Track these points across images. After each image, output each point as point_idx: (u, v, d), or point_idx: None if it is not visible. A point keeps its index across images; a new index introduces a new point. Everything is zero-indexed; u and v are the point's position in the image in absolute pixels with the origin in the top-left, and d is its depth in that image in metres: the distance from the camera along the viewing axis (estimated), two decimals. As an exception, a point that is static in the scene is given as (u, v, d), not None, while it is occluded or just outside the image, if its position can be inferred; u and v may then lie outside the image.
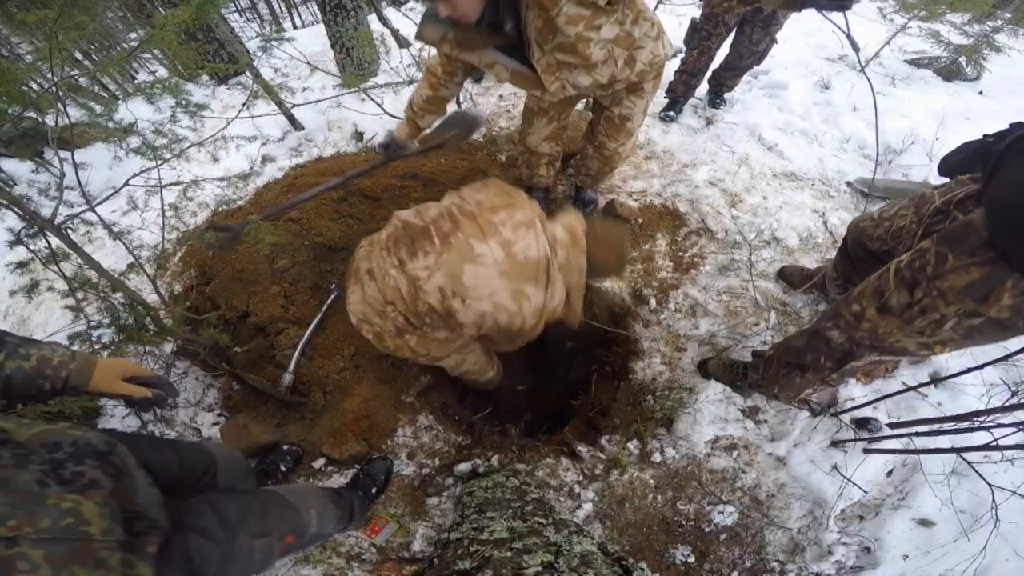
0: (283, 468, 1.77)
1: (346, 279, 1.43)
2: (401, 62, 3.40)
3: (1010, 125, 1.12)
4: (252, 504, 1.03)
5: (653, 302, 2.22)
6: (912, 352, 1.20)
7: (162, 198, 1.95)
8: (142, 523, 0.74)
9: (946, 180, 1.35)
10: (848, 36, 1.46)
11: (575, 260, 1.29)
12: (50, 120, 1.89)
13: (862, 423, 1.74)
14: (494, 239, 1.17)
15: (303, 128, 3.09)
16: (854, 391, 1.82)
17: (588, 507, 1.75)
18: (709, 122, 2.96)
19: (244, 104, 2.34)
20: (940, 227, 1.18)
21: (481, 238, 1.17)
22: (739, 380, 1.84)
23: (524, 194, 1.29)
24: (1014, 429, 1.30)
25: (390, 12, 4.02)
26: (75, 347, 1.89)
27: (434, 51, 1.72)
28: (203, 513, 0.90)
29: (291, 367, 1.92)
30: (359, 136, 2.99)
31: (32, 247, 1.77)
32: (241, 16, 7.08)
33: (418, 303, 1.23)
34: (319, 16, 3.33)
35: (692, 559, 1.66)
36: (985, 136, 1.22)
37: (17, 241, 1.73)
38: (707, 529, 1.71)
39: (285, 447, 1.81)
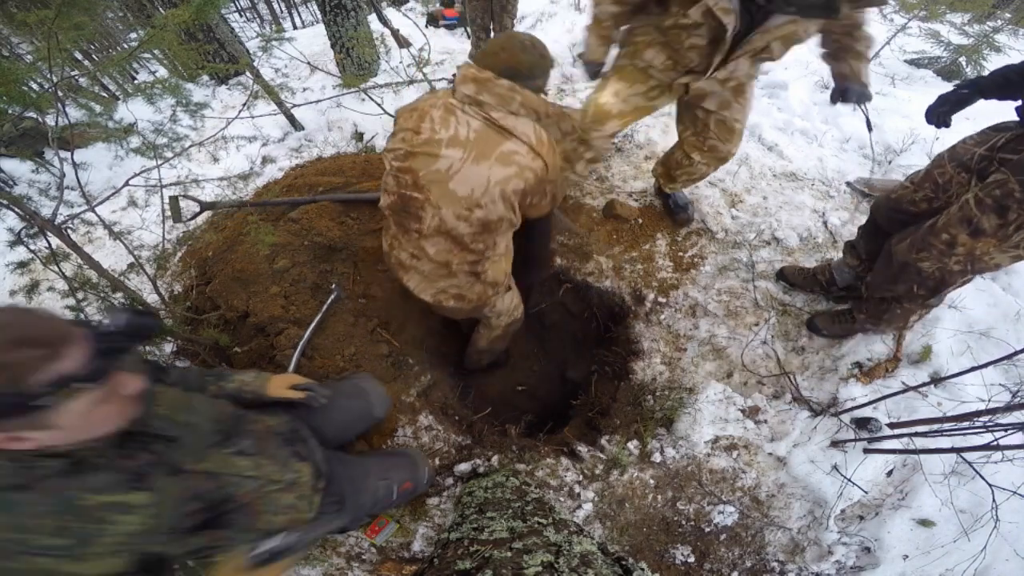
0: None
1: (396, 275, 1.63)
2: (401, 62, 3.41)
3: None
4: (384, 459, 1.56)
5: (653, 302, 2.22)
6: (1004, 266, 1.38)
7: (162, 198, 1.96)
8: (320, 474, 1.21)
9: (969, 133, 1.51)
10: (867, 122, 1.76)
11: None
12: (50, 120, 1.89)
13: (862, 423, 1.74)
14: (444, 150, 1.27)
15: (303, 128, 3.09)
16: (854, 391, 1.82)
17: (588, 507, 1.75)
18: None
19: (244, 104, 2.34)
20: (991, 169, 1.34)
21: (429, 160, 1.28)
22: (850, 325, 1.91)
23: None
24: (1014, 429, 1.30)
25: (390, 12, 4.02)
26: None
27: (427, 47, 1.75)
28: (349, 463, 1.37)
29: (291, 367, 1.91)
30: (359, 136, 2.99)
31: (32, 247, 1.78)
32: (241, 16, 7.09)
33: (453, 254, 1.40)
34: (319, 16, 3.33)
35: (692, 559, 1.66)
36: (958, 86, 1.44)
37: (17, 241, 1.74)
38: (707, 529, 1.71)
39: None
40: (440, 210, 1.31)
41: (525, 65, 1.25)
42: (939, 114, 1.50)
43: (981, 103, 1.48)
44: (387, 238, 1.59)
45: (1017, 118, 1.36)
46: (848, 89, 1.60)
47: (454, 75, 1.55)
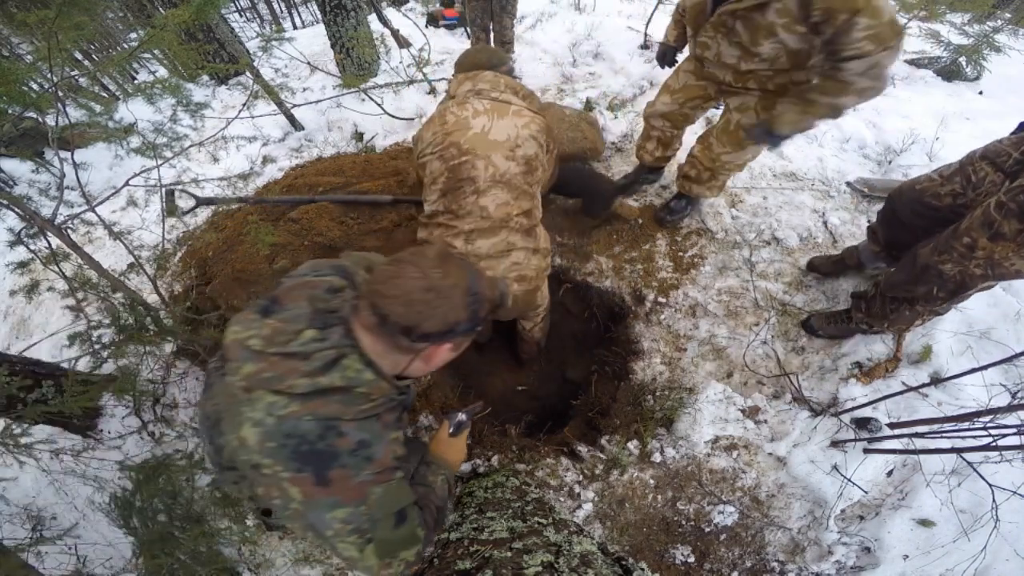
0: None
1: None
2: (401, 62, 3.40)
3: None
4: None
5: (653, 302, 2.22)
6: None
7: (162, 196, 1.96)
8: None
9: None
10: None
11: None
12: (50, 120, 1.89)
13: (862, 423, 1.74)
14: (473, 120, 1.55)
15: (303, 128, 3.09)
16: (854, 391, 1.82)
17: (588, 507, 1.75)
18: (709, 122, 2.96)
19: (244, 104, 2.34)
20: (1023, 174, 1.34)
21: (464, 131, 1.54)
22: (846, 325, 1.93)
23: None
24: (1014, 429, 1.30)
25: (390, 12, 4.02)
26: (75, 348, 1.89)
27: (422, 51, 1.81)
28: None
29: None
30: (359, 136, 2.99)
31: (32, 247, 1.78)
32: (241, 16, 7.09)
33: (510, 205, 1.52)
34: (319, 16, 3.33)
35: (692, 559, 1.66)
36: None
37: (17, 241, 1.74)
38: (707, 529, 1.71)
39: None
40: (490, 157, 1.50)
41: (488, 61, 1.70)
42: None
43: (983, 105, 1.48)
44: (433, 241, 1.59)
45: None
46: (753, 128, 1.68)
47: (447, 90, 1.74)
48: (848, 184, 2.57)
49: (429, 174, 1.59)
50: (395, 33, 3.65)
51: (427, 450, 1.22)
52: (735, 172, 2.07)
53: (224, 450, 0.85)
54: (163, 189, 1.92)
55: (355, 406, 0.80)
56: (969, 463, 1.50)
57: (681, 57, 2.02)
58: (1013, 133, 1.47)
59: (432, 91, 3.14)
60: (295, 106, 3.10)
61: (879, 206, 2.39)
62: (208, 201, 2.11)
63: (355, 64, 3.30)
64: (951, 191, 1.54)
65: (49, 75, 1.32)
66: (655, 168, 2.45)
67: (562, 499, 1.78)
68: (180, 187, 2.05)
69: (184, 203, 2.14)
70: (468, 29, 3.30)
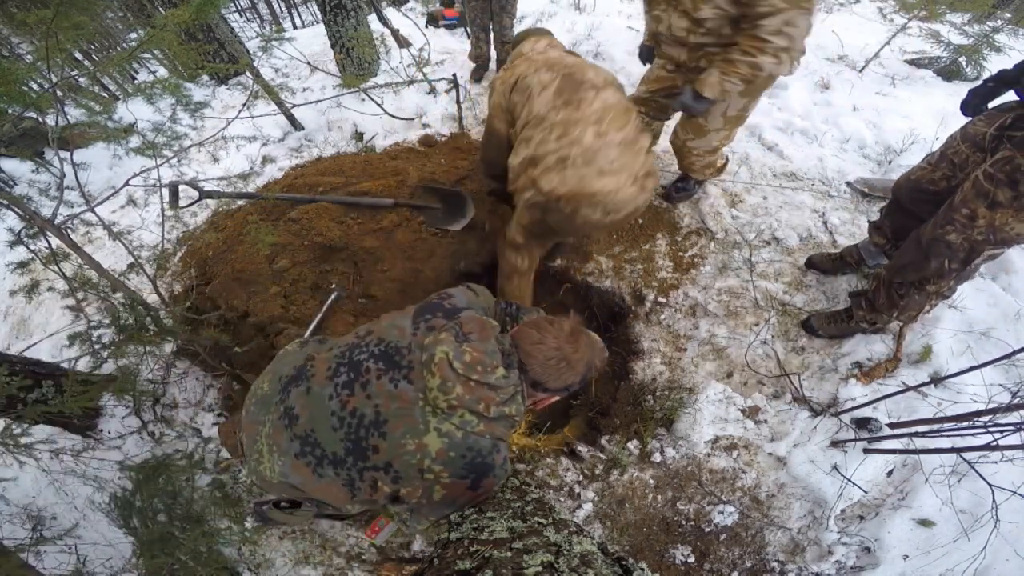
0: None
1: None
2: (401, 62, 3.40)
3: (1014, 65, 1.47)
4: None
5: (653, 302, 2.22)
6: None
7: (162, 197, 1.95)
8: None
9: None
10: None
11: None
12: (50, 120, 1.89)
13: (862, 423, 1.74)
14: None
15: (303, 128, 3.09)
16: (854, 391, 1.82)
17: (588, 507, 1.75)
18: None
19: (244, 104, 2.34)
20: (1002, 147, 1.43)
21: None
22: (846, 324, 1.95)
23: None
24: (1014, 429, 1.30)
25: (390, 12, 4.02)
26: (75, 348, 1.89)
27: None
28: None
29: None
30: (359, 136, 2.99)
31: (32, 247, 1.78)
32: (241, 16, 7.08)
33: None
34: (319, 16, 3.33)
35: (692, 559, 1.66)
36: (986, 80, 1.55)
37: (17, 241, 1.73)
38: (707, 529, 1.71)
39: None
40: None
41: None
42: (972, 105, 1.61)
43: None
44: (555, 170, 1.45)
45: (1018, 99, 1.46)
46: (681, 93, 1.75)
47: (508, 62, 1.83)
48: (848, 184, 2.57)
49: (535, 86, 1.54)
50: (395, 33, 3.65)
51: None
52: (708, 157, 2.15)
53: (381, 449, 0.96)
54: (169, 183, 1.92)
55: (510, 430, 1.03)
56: (969, 463, 1.50)
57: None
58: (1006, 110, 1.53)
59: (432, 91, 3.14)
60: (295, 106, 3.10)
61: (879, 206, 2.39)
62: (210, 194, 2.12)
63: (355, 64, 3.30)
64: (943, 175, 1.65)
65: (49, 75, 1.32)
66: None
67: (562, 499, 1.78)
68: (184, 182, 2.05)
69: (186, 197, 2.15)
70: (468, 29, 3.29)
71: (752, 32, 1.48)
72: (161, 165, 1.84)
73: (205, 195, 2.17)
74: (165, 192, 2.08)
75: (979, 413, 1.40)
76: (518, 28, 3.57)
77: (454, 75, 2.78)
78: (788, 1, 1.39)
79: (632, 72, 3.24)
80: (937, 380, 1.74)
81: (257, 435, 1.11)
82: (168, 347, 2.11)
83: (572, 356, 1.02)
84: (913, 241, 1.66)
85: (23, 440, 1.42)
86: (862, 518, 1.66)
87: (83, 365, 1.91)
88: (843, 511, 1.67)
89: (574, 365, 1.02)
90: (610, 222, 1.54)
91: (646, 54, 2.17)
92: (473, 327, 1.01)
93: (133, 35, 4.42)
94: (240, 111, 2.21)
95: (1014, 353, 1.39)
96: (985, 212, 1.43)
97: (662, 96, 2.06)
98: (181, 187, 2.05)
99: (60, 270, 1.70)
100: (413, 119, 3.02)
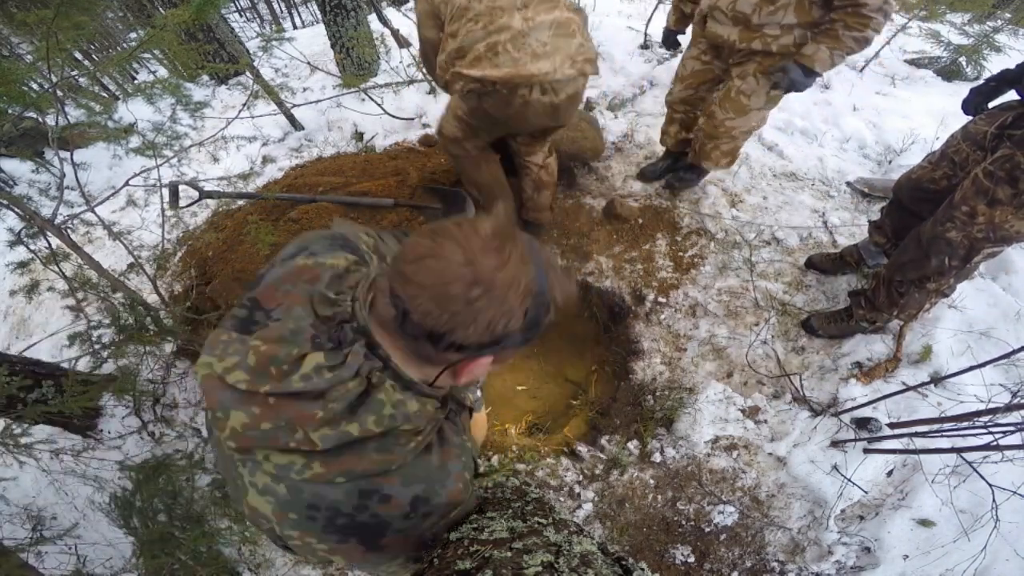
0: None
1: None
2: (401, 62, 3.40)
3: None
4: None
5: (653, 302, 2.22)
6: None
7: (162, 197, 1.96)
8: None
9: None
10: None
11: None
12: (50, 120, 1.89)
13: (862, 423, 1.74)
14: None
15: (303, 128, 3.09)
16: (854, 391, 1.82)
17: (588, 507, 1.75)
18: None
19: (244, 104, 2.34)
20: (1002, 145, 1.44)
21: None
22: (846, 324, 1.95)
23: None
24: (1014, 429, 1.30)
25: (390, 12, 4.02)
26: (75, 348, 1.89)
27: None
28: None
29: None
30: (359, 136, 2.99)
31: (32, 247, 1.78)
32: (241, 16, 7.08)
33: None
34: (319, 16, 3.33)
35: (692, 559, 1.66)
36: (988, 80, 1.56)
37: (17, 241, 1.74)
38: (707, 529, 1.71)
39: None
40: None
41: None
42: (974, 104, 1.61)
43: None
44: (485, 57, 1.41)
45: (1018, 98, 1.47)
46: (788, 71, 1.75)
47: None
48: (848, 184, 2.57)
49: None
50: (395, 33, 3.65)
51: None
52: (737, 141, 2.12)
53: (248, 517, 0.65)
54: (169, 183, 1.93)
55: (399, 451, 0.59)
56: (969, 463, 1.50)
57: (683, 40, 2.21)
58: (1006, 109, 1.53)
59: (432, 91, 3.14)
60: (295, 106, 3.10)
61: (879, 206, 2.39)
62: (210, 194, 2.12)
63: (355, 64, 3.30)
64: (944, 174, 1.65)
65: (49, 75, 1.32)
66: (679, 155, 2.52)
67: (562, 499, 1.78)
68: (184, 182, 2.06)
69: (187, 197, 2.15)
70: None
71: (856, 10, 1.56)
72: (161, 165, 1.85)
73: (205, 195, 2.17)
74: (165, 192, 2.08)
75: (979, 413, 1.40)
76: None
77: (454, 75, 2.78)
78: None
79: (632, 72, 3.24)
80: (937, 380, 1.74)
81: None
82: (168, 347, 2.11)
83: (493, 276, 0.53)
84: (913, 239, 1.66)
85: (23, 440, 1.42)
86: (862, 518, 1.66)
87: (83, 365, 1.91)
88: (843, 511, 1.67)
89: (500, 296, 0.53)
90: (551, 104, 1.49)
91: (671, 39, 2.18)
92: (267, 291, 0.63)
93: (133, 35, 4.42)
94: (240, 111, 2.22)
95: (1014, 353, 1.39)
96: (985, 210, 1.44)
97: (705, 90, 2.08)
98: (181, 187, 2.06)
99: (60, 270, 1.70)
100: (413, 119, 3.03)
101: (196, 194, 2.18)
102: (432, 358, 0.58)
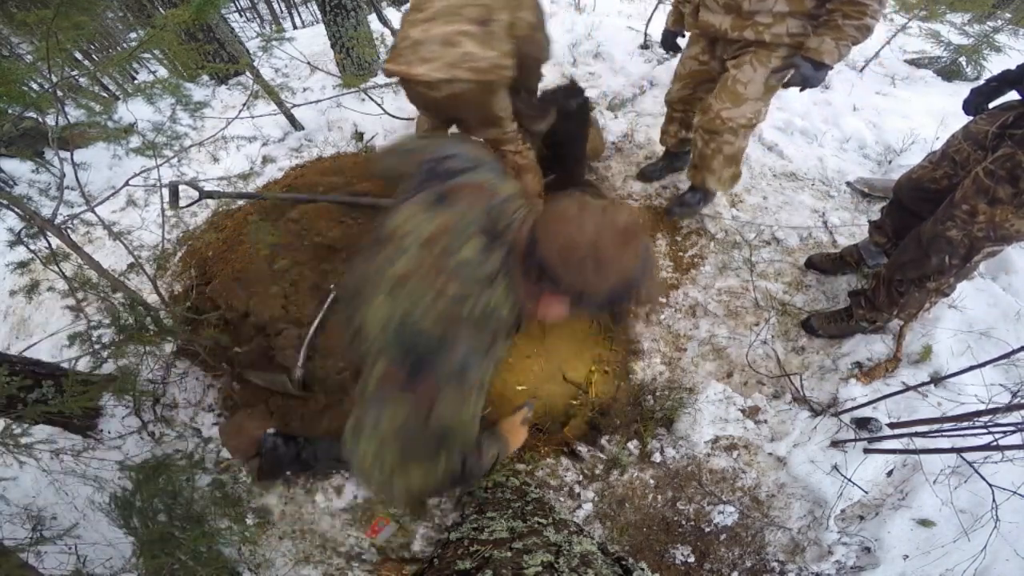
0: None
1: None
2: (401, 62, 3.40)
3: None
4: None
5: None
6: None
7: (162, 197, 1.96)
8: None
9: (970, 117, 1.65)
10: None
11: None
12: (50, 120, 1.89)
13: (862, 423, 1.74)
14: None
15: (303, 128, 3.09)
16: (854, 391, 1.82)
17: (588, 507, 1.75)
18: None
19: (244, 104, 2.34)
20: (1003, 145, 1.44)
21: None
22: (846, 324, 1.95)
23: None
24: (1014, 429, 1.30)
25: (390, 12, 4.02)
26: (75, 348, 1.90)
27: None
28: None
29: (300, 361, 1.92)
30: (359, 136, 2.99)
31: (32, 247, 1.78)
32: (241, 16, 7.08)
33: None
34: (319, 16, 3.33)
35: (692, 559, 1.66)
36: (989, 80, 1.56)
37: (17, 241, 1.73)
38: (707, 529, 1.71)
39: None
40: None
41: None
42: (975, 104, 1.62)
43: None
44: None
45: (1019, 98, 1.47)
46: (798, 67, 1.75)
47: None
48: (848, 184, 2.57)
49: None
50: (395, 33, 3.65)
51: (494, 424, 1.25)
52: (735, 137, 2.01)
53: (353, 320, 0.87)
54: (169, 183, 1.94)
55: (479, 333, 0.79)
56: (969, 463, 1.50)
57: (682, 42, 2.18)
58: (1007, 108, 1.54)
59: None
60: (295, 106, 3.10)
61: (879, 206, 2.39)
62: (210, 194, 2.13)
63: (355, 64, 3.30)
64: (944, 174, 1.65)
65: (49, 75, 1.32)
66: (678, 154, 2.52)
67: (562, 499, 1.78)
68: (184, 182, 2.06)
69: (187, 197, 2.16)
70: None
71: (854, 1, 1.59)
72: (161, 165, 1.85)
73: (205, 195, 2.17)
74: (165, 192, 2.08)
75: (979, 413, 1.40)
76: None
77: (454, 75, 2.78)
78: None
79: (632, 72, 3.24)
80: (937, 380, 1.74)
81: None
82: (168, 347, 2.11)
83: (609, 255, 0.73)
84: (913, 238, 1.66)
85: (23, 440, 1.42)
86: (862, 518, 1.66)
87: (83, 365, 1.90)
88: (843, 511, 1.67)
89: (607, 273, 0.74)
90: (434, 99, 1.78)
91: (669, 40, 2.16)
92: (457, 189, 0.84)
93: (133, 35, 4.42)
94: (240, 111, 2.22)
95: (1014, 353, 1.39)
96: (985, 209, 1.44)
97: (704, 90, 2.07)
98: (181, 187, 2.06)
99: (60, 270, 1.70)
100: (413, 119, 3.02)
101: (196, 194, 2.18)
102: (534, 283, 0.81)
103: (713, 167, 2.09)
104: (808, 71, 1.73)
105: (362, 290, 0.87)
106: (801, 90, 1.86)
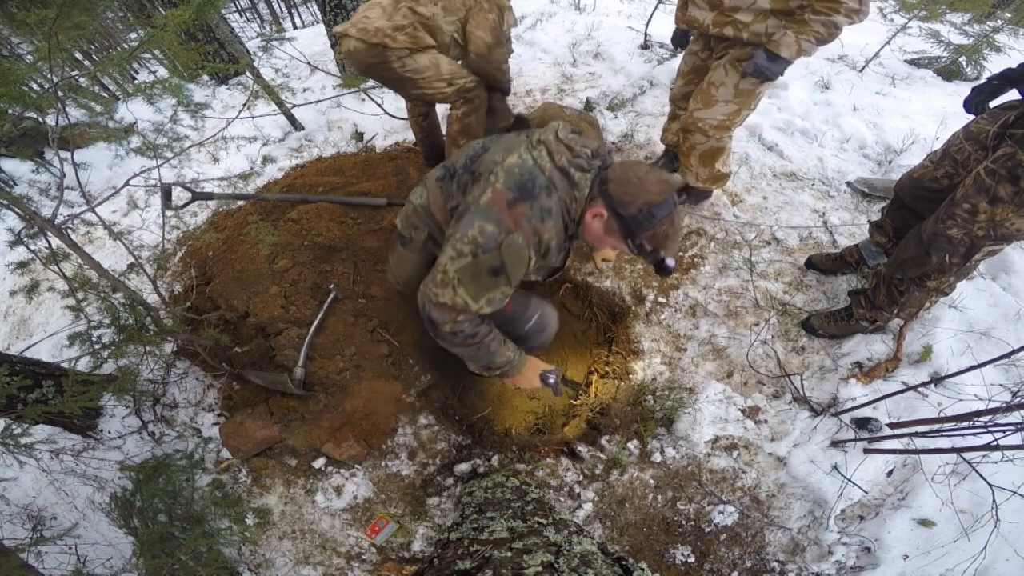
0: None
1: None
2: (401, 62, 3.40)
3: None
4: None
5: (653, 302, 2.22)
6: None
7: (161, 196, 1.96)
8: None
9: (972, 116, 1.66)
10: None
11: None
12: (50, 120, 1.89)
13: (862, 423, 1.74)
14: None
15: (303, 128, 3.09)
16: (854, 391, 1.82)
17: (588, 507, 1.75)
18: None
19: (244, 104, 2.34)
20: (1004, 144, 1.45)
21: None
22: (846, 324, 1.95)
23: None
24: (1014, 429, 1.30)
25: (390, 12, 4.02)
26: (75, 348, 1.90)
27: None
28: None
29: (301, 361, 1.92)
30: (359, 136, 2.99)
31: (32, 247, 1.78)
32: (241, 16, 7.08)
33: None
34: (319, 16, 3.33)
35: (692, 559, 1.66)
36: (990, 78, 1.56)
37: (17, 241, 1.73)
38: (707, 529, 1.71)
39: None
40: None
41: None
42: (976, 103, 1.62)
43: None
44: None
45: (1020, 97, 1.47)
46: (753, 56, 1.77)
47: None
48: (848, 184, 2.57)
49: None
50: (395, 33, 3.65)
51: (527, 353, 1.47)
52: (706, 137, 2.04)
53: (481, 161, 1.28)
54: (160, 185, 1.95)
55: (566, 194, 1.21)
56: (969, 463, 1.50)
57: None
58: (1008, 108, 1.54)
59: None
60: (295, 106, 3.10)
61: (879, 206, 2.39)
62: (202, 196, 2.13)
63: (355, 64, 3.30)
64: (945, 173, 1.65)
65: (49, 75, 1.32)
66: (677, 154, 2.48)
67: (562, 499, 1.78)
68: (178, 184, 2.07)
69: (181, 198, 2.17)
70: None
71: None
72: (162, 165, 1.84)
73: (196, 196, 2.18)
74: (161, 191, 2.09)
75: (979, 413, 1.40)
76: (517, 28, 3.57)
77: (454, 75, 2.77)
78: None
79: (632, 72, 3.24)
80: (937, 380, 1.74)
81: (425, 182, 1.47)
82: (168, 347, 2.11)
83: (646, 185, 1.17)
84: (914, 237, 1.66)
85: (23, 440, 1.42)
86: (862, 518, 1.66)
87: (83, 365, 1.91)
88: (843, 511, 1.67)
89: (642, 190, 1.16)
90: (345, 52, 1.97)
91: (679, 37, 2.17)
92: (585, 133, 1.30)
93: (133, 35, 4.42)
94: (240, 111, 2.21)
95: (1014, 353, 1.39)
96: (986, 207, 1.45)
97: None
98: (176, 191, 2.07)
99: (60, 270, 1.70)
100: (413, 119, 3.02)
101: (189, 195, 2.19)
102: (592, 197, 1.24)
103: (690, 163, 2.18)
104: (762, 61, 1.72)
105: (499, 146, 1.28)
106: (760, 83, 1.82)
